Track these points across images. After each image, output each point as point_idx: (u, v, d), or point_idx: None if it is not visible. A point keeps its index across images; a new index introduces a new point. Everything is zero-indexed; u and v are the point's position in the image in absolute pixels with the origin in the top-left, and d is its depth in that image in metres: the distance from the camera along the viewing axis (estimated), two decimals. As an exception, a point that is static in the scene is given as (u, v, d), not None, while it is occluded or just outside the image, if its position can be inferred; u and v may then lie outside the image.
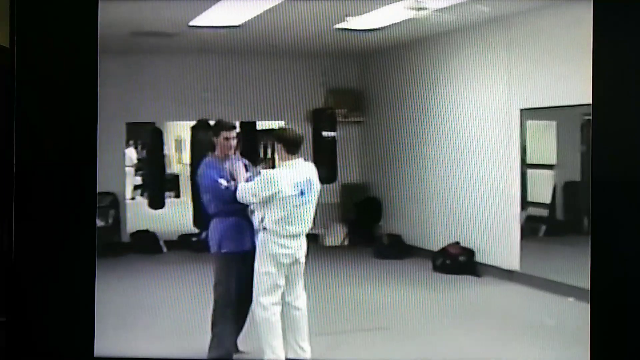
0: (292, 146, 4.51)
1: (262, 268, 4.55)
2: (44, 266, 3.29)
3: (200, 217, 4.81)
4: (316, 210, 4.55)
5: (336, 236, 5.47)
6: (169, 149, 5.11)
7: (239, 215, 4.69)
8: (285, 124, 4.80)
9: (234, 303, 4.62)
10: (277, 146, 4.52)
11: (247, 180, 4.66)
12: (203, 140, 4.86)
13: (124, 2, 3.77)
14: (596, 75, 3.23)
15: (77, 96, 3.33)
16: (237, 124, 4.92)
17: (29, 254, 3.30)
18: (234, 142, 4.71)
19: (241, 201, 4.50)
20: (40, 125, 3.31)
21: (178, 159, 5.22)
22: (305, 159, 4.54)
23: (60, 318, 3.31)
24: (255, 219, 4.56)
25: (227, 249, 4.69)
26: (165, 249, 5.14)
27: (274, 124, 5.01)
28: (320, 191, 4.60)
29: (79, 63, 3.33)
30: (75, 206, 3.35)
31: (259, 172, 4.41)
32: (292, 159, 4.50)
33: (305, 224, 4.55)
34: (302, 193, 4.51)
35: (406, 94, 4.92)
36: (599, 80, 3.25)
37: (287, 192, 4.47)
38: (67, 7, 3.33)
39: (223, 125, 4.72)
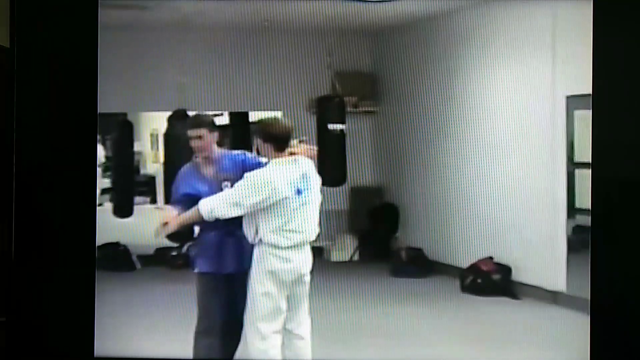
0: (279, 141, 4.01)
1: (260, 288, 4.05)
2: (44, 266, 3.39)
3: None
4: (320, 212, 4.13)
5: (345, 250, 5.13)
6: (143, 145, 4.68)
7: (226, 229, 4.17)
8: (282, 115, 4.32)
9: (219, 333, 4.15)
10: (259, 141, 4.05)
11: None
12: (180, 136, 4.36)
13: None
14: (596, 74, 3.32)
15: (77, 96, 3.44)
16: (226, 115, 4.50)
17: (29, 254, 3.40)
18: (201, 143, 4.12)
19: (211, 218, 3.96)
20: (40, 125, 3.43)
21: (154, 157, 4.76)
22: (295, 153, 4.11)
23: (60, 318, 3.41)
24: (248, 232, 3.98)
25: (204, 268, 4.15)
26: (138, 265, 4.68)
27: (268, 115, 4.44)
28: (327, 196, 4.18)
29: (79, 63, 3.45)
30: (75, 206, 3.44)
31: (245, 178, 3.90)
32: (280, 156, 4.02)
33: (309, 230, 4.08)
34: (299, 192, 4.00)
35: (428, 78, 4.52)
36: (599, 80, 3.33)
37: (280, 193, 3.97)
38: (67, 7, 3.45)
39: (193, 122, 4.14)
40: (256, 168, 4.11)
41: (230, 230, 4.14)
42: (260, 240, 4.01)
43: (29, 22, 3.43)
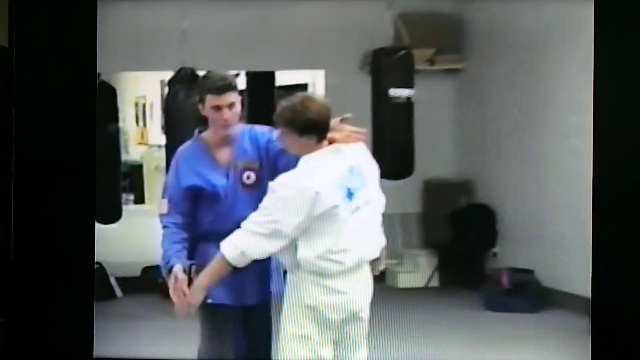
0: (316, 129, 3.44)
1: (295, 329, 3.52)
2: (44, 266, 3.60)
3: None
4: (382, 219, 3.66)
5: (418, 272, 4.66)
6: (125, 119, 4.09)
7: None
8: (323, 79, 4.00)
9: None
10: (287, 131, 3.42)
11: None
12: (185, 106, 3.89)
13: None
14: (597, 74, 3.58)
15: (76, 96, 3.64)
16: (242, 77, 3.97)
17: (28, 254, 3.62)
18: (233, 113, 3.58)
19: (244, 262, 3.41)
20: (40, 125, 3.65)
21: (141, 136, 4.21)
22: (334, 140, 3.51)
23: (60, 318, 3.59)
24: (285, 260, 3.48)
25: (215, 298, 3.60)
26: (119, 293, 4.23)
27: (304, 76, 4.11)
28: (388, 194, 3.56)
29: (79, 63, 3.65)
30: (75, 206, 3.61)
31: (273, 190, 3.33)
32: (317, 148, 3.46)
33: (368, 246, 3.51)
34: (350, 195, 3.40)
35: (538, 19, 3.88)
36: (600, 80, 3.57)
37: (328, 202, 3.38)
38: (67, 7, 3.65)
39: (211, 85, 3.59)
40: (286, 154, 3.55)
41: None
42: (299, 265, 3.49)
43: (29, 22, 3.68)
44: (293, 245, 3.56)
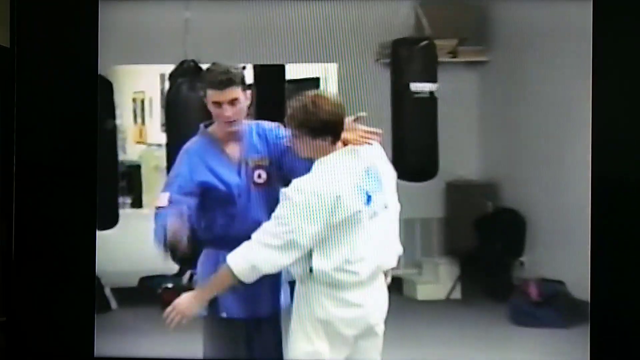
0: (336, 130, 3.29)
1: (305, 345, 3.38)
2: (44, 266, 3.64)
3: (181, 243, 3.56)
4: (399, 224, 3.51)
5: (438, 283, 4.44)
6: (123, 116, 3.93)
7: None
8: (336, 72, 3.75)
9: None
10: (299, 134, 3.27)
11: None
12: (190, 101, 3.74)
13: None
14: (596, 72, 3.52)
15: (77, 96, 3.65)
16: (249, 70, 3.69)
17: (29, 253, 3.66)
18: (236, 109, 3.42)
19: (255, 277, 3.27)
20: (40, 126, 3.69)
21: (139, 134, 4.04)
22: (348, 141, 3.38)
23: (60, 318, 3.62)
24: (296, 270, 3.34)
25: (229, 312, 3.47)
26: (113, 304, 4.02)
27: (317, 70, 3.81)
28: (408, 197, 3.48)
29: (79, 63, 3.68)
30: (75, 206, 3.64)
31: (288, 197, 3.20)
32: (332, 149, 3.31)
33: (384, 254, 3.36)
34: (368, 199, 3.25)
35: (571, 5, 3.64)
36: (599, 78, 3.52)
37: (348, 208, 3.23)
38: (68, 7, 3.67)
39: (212, 78, 3.45)
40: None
41: None
42: (311, 269, 3.31)
43: (29, 22, 3.72)
44: (305, 255, 3.37)
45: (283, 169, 3.37)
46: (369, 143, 3.41)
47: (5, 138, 3.79)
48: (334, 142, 3.32)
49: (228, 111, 3.41)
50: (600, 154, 3.57)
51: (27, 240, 3.74)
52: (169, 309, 3.33)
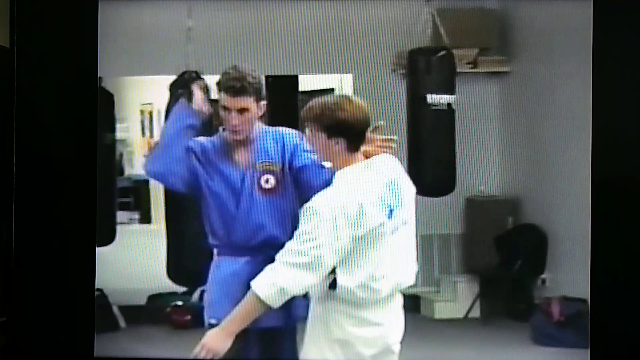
0: (354, 135, 3.21)
1: None
2: (44, 266, 3.67)
3: (189, 258, 3.67)
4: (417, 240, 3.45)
5: (457, 301, 4.36)
6: (127, 129, 3.94)
7: (261, 257, 3.32)
8: (351, 83, 3.71)
9: None
10: (314, 129, 3.20)
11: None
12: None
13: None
14: (597, 72, 3.53)
15: (77, 96, 3.67)
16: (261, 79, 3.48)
17: (29, 254, 3.68)
18: (244, 119, 3.36)
19: (283, 300, 3.17)
20: (40, 126, 3.73)
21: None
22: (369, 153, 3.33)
23: (60, 318, 3.66)
24: (314, 289, 3.28)
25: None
26: (122, 323, 3.95)
27: (331, 80, 3.78)
28: (425, 212, 3.55)
29: (79, 63, 3.71)
30: (75, 206, 3.66)
31: (315, 212, 3.14)
32: (353, 159, 3.23)
33: (404, 271, 3.32)
34: (390, 213, 3.20)
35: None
36: (599, 77, 3.52)
37: (372, 221, 3.16)
38: (68, 7, 3.70)
39: (225, 82, 3.37)
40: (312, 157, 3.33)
41: (266, 258, 3.26)
42: (332, 295, 3.24)
43: (29, 22, 3.74)
44: (326, 274, 3.29)
45: (296, 178, 3.29)
46: (386, 151, 3.29)
47: (5, 138, 3.76)
48: (350, 149, 3.22)
49: (235, 119, 3.36)
50: (600, 155, 3.47)
51: (27, 240, 3.71)
52: (197, 348, 3.23)
